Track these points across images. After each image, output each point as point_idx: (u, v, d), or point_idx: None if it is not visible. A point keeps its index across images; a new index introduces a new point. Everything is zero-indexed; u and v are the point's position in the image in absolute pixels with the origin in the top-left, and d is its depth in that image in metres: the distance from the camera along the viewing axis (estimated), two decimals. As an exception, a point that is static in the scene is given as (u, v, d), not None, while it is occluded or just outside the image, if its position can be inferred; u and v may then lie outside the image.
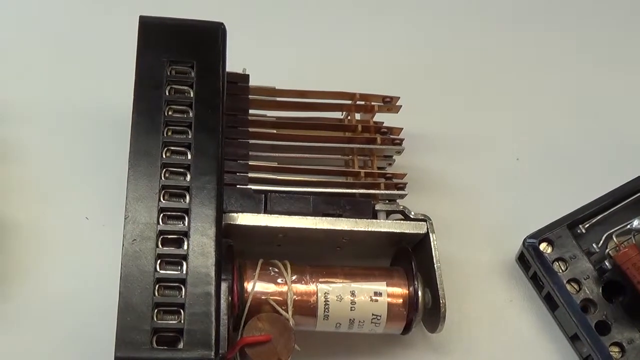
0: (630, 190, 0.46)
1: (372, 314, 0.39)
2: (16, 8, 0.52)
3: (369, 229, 0.41)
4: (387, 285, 0.40)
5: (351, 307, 0.39)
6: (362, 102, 0.46)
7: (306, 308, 0.39)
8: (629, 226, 0.44)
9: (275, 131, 0.44)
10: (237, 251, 0.40)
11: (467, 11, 0.58)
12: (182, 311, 0.34)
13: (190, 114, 0.39)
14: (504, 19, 0.58)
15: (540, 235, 0.45)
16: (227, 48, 0.41)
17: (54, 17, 0.52)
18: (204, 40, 0.41)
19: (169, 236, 0.36)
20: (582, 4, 0.59)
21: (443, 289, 0.40)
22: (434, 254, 0.41)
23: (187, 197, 0.37)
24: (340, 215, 0.41)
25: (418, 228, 0.42)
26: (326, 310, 0.39)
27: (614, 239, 0.44)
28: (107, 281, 0.37)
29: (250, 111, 0.43)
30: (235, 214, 0.39)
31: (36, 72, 0.49)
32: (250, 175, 0.41)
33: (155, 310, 0.34)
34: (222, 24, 0.42)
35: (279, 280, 0.39)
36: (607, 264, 0.43)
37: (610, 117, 0.54)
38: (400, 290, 0.40)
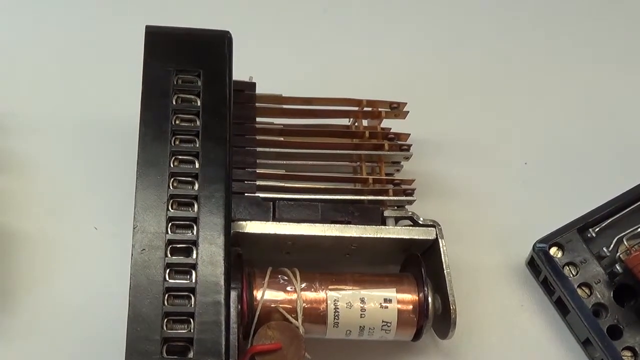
0: (640, 193, 0.46)
1: (382, 321, 0.39)
2: (23, 21, 0.52)
3: (378, 236, 0.41)
4: (397, 291, 0.40)
5: (361, 314, 0.39)
6: (369, 109, 0.46)
7: (316, 315, 0.39)
8: (639, 229, 0.44)
9: (282, 139, 0.44)
10: (246, 259, 0.40)
11: (473, 16, 0.58)
12: (191, 320, 0.34)
13: (198, 123, 0.39)
14: (510, 24, 0.58)
15: (551, 239, 0.45)
16: (233, 56, 0.42)
17: (61, 29, 0.52)
18: (210, 49, 0.41)
19: (178, 245, 0.36)
20: (589, 6, 0.59)
21: (453, 295, 0.40)
22: (443, 259, 0.41)
23: (196, 206, 0.37)
24: (349, 222, 0.41)
25: (427, 234, 0.42)
26: (336, 317, 0.39)
27: (625, 242, 0.44)
28: (116, 291, 0.37)
29: (258, 119, 0.43)
30: (243, 222, 0.39)
31: (43, 83, 0.50)
32: (258, 183, 0.41)
33: (165, 320, 0.34)
34: (228, 32, 0.42)
35: (289, 288, 0.39)
36: (618, 267, 0.43)
37: (619, 119, 0.53)
38: (410, 297, 0.40)
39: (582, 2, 0.59)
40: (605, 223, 0.45)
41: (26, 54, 0.51)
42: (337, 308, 0.39)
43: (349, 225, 0.41)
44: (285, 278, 0.39)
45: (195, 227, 0.36)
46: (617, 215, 0.46)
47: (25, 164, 0.46)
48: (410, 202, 0.44)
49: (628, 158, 0.51)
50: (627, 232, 0.45)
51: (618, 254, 0.44)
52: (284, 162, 0.43)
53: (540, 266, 0.45)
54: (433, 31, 0.56)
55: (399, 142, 0.45)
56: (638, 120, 0.53)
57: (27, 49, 0.51)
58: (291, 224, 0.40)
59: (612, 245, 0.44)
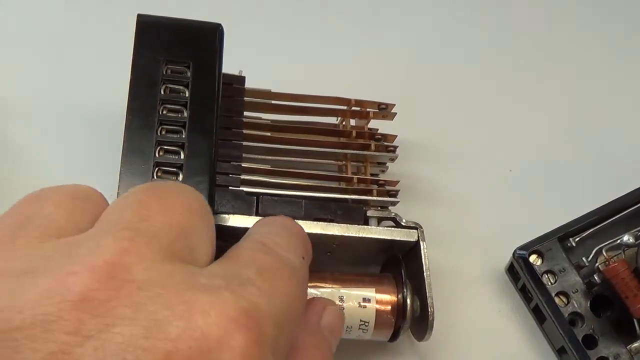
0: (621, 205, 0.46)
1: (360, 320, 0.39)
2: (9, 6, 0.52)
3: (360, 235, 0.41)
4: (376, 291, 0.40)
5: (339, 313, 0.39)
6: (358, 108, 0.46)
7: (294, 312, 0.39)
8: (619, 241, 0.44)
9: (269, 134, 0.44)
10: (227, 253, 0.39)
11: (464, 23, 0.58)
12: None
13: (185, 114, 0.39)
14: (499, 33, 0.58)
15: (531, 247, 0.45)
16: (224, 49, 0.41)
17: (49, 15, 0.52)
18: (201, 41, 0.41)
19: (159, 235, 0.36)
20: (576, 20, 0.59)
21: (432, 298, 0.40)
22: (424, 262, 0.41)
23: (179, 197, 0.37)
24: (331, 220, 0.41)
25: (409, 236, 0.42)
26: (314, 315, 0.39)
27: (604, 253, 0.44)
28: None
29: (245, 113, 0.43)
30: (226, 216, 0.39)
31: (30, 69, 0.49)
32: (243, 177, 0.41)
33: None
34: (219, 24, 0.42)
35: (268, 284, 0.39)
36: (596, 278, 0.43)
37: (604, 132, 0.54)
38: (389, 297, 0.40)
39: (569, 14, 0.60)
40: (586, 233, 0.46)
41: (12, 40, 0.50)
42: (316, 305, 0.39)
43: (331, 224, 0.41)
44: (266, 273, 0.39)
45: (177, 218, 0.36)
46: (598, 226, 0.46)
47: (9, 150, 0.46)
48: (394, 204, 0.44)
49: (611, 170, 0.51)
50: (606, 243, 0.45)
51: (597, 264, 0.44)
52: (270, 157, 0.43)
53: (519, 273, 0.45)
54: (426, 36, 0.56)
55: (385, 143, 0.45)
56: (623, 133, 0.54)
57: (13, 35, 0.51)
58: (274, 219, 0.40)
59: (591, 256, 0.45)
